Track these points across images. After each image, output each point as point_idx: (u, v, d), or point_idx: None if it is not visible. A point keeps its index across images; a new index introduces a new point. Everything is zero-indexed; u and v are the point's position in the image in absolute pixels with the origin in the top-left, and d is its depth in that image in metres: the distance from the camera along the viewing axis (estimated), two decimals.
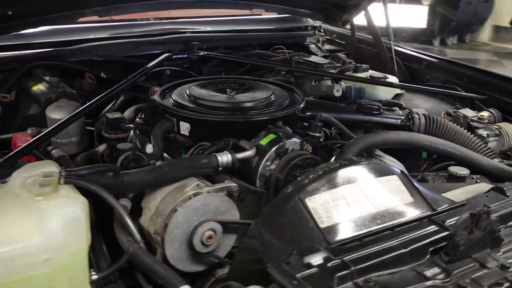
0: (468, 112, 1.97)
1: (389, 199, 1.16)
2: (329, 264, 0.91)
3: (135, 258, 1.12)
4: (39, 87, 1.90)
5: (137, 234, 1.14)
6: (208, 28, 2.62)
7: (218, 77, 2.12)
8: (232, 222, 1.21)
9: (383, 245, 0.99)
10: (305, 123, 1.67)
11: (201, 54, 2.28)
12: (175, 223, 1.16)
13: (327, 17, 2.87)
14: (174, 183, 1.28)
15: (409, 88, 2.20)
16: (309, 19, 3.07)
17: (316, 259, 0.92)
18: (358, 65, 2.52)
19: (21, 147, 1.45)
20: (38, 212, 1.07)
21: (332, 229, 1.06)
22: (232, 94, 1.68)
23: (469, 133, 1.74)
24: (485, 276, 0.93)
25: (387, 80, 2.33)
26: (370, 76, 2.37)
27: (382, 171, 1.23)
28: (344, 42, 3.03)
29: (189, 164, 1.32)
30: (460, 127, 1.78)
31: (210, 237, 1.18)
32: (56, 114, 1.62)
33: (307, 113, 1.68)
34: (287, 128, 1.56)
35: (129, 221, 1.15)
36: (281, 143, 1.44)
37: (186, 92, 1.72)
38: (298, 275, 0.88)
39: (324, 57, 2.73)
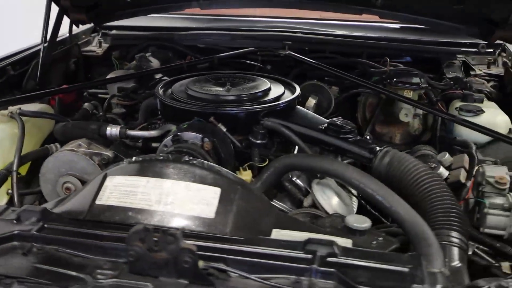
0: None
1: (180, 205, 1.13)
2: (28, 222, 1.04)
3: None
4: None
5: (15, 164, 1.44)
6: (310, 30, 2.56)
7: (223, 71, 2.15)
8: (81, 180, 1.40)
9: (98, 232, 1.04)
10: None
11: (283, 53, 2.30)
12: (45, 167, 1.45)
13: (482, 32, 2.38)
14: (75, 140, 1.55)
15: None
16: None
17: (30, 216, 1.06)
18: (468, 92, 2.06)
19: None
20: None
21: (100, 208, 1.14)
22: (227, 87, 1.76)
23: (444, 189, 1.28)
24: None
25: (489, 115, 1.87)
26: (460, 107, 1.92)
27: (204, 179, 1.19)
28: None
29: (80, 127, 1.56)
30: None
31: (68, 189, 1.41)
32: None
33: (264, 119, 1.59)
34: (220, 125, 1.55)
35: (16, 154, 1.46)
36: (176, 133, 1.49)
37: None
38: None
39: (454, 79, 2.30)
